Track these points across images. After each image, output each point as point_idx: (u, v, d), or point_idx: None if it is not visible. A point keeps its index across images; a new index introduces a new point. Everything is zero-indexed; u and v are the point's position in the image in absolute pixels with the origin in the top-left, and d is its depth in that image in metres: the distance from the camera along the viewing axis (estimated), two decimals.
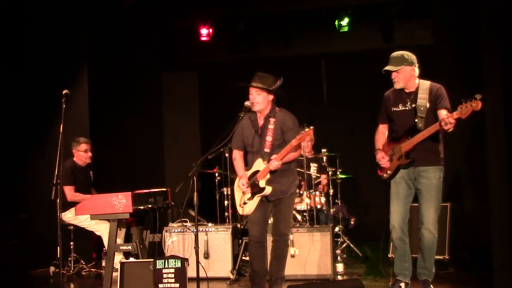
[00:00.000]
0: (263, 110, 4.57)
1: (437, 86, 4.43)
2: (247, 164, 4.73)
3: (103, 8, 7.24)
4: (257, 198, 4.56)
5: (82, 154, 6.20)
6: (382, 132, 4.72)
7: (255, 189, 4.55)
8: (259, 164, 4.55)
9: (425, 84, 4.45)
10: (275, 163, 4.39)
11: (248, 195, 4.59)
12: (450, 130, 4.09)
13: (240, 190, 4.66)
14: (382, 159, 4.56)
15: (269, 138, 4.53)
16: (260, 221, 4.62)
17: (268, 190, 4.50)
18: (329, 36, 8.78)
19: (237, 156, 4.74)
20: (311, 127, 4.37)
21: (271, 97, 4.56)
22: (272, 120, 4.55)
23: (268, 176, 4.50)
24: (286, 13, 8.45)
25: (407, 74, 4.43)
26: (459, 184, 6.15)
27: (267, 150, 4.54)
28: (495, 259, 4.39)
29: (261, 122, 4.61)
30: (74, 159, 6.22)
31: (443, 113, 4.23)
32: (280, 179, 4.56)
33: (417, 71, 4.46)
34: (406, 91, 4.49)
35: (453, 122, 4.02)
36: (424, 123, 4.32)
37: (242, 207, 4.64)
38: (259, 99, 4.52)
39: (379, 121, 4.74)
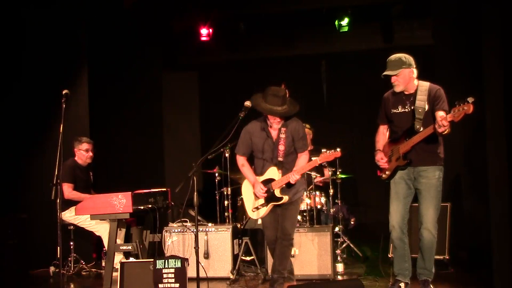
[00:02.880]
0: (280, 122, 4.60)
1: (436, 87, 4.42)
2: (255, 170, 4.74)
3: (103, 8, 7.23)
4: (271, 206, 4.60)
5: (83, 153, 6.22)
6: (383, 133, 4.72)
7: (270, 197, 4.57)
8: (273, 173, 4.58)
9: (424, 85, 4.44)
10: (295, 177, 4.48)
11: (261, 201, 4.61)
12: (445, 132, 4.08)
13: (251, 195, 4.68)
14: (381, 160, 4.57)
15: (281, 148, 4.57)
16: (273, 225, 4.69)
17: (286, 199, 4.56)
18: (329, 36, 8.77)
19: (245, 162, 4.76)
20: (338, 149, 4.52)
21: None
22: (283, 129, 4.58)
23: (284, 186, 4.56)
24: (286, 13, 8.44)
25: (406, 77, 4.42)
26: (459, 184, 6.15)
27: (280, 159, 4.58)
28: (495, 259, 4.40)
29: (273, 131, 4.61)
30: (75, 158, 6.23)
31: (439, 115, 4.22)
32: (292, 187, 4.62)
33: (415, 72, 4.46)
34: (406, 93, 4.48)
35: (446, 125, 4.01)
36: (422, 124, 4.32)
37: (254, 211, 4.68)
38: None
39: (379, 122, 4.74)
